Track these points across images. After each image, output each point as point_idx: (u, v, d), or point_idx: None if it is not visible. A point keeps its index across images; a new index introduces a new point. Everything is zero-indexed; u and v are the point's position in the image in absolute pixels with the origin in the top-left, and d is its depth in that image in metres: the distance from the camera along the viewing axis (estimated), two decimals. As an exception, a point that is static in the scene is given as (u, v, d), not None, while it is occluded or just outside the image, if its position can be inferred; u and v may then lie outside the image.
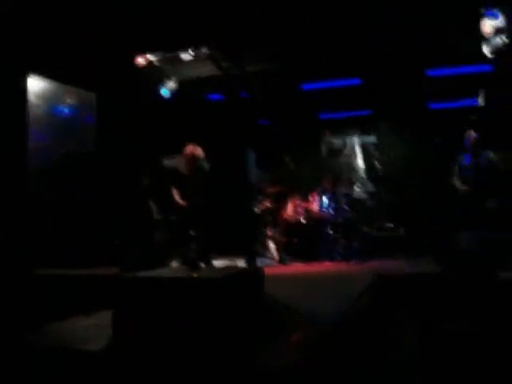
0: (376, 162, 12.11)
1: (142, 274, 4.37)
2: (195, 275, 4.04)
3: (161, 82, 10.06)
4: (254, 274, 4.69)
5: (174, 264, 7.43)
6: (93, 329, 4.28)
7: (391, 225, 10.80)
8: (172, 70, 9.82)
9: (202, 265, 4.25)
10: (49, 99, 9.07)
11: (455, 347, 5.08)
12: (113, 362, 3.50)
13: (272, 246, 9.94)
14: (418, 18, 8.05)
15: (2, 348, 3.97)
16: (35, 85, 8.79)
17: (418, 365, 4.71)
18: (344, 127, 12.39)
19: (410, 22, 8.16)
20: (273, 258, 9.76)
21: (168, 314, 3.77)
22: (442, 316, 6.04)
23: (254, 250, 8.08)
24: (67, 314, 4.89)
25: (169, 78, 10.08)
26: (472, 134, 8.08)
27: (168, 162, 10.56)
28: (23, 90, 8.53)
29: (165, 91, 10.11)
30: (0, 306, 5.28)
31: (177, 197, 8.15)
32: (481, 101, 10.20)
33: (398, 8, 7.82)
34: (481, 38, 7.60)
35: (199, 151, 8.19)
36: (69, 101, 9.53)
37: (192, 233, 4.45)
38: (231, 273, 4.65)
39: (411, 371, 4.53)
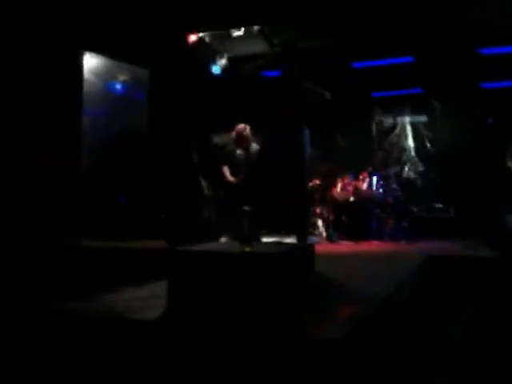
0: (427, 142, 11.93)
1: (197, 247, 4.46)
2: (247, 250, 4.09)
3: (212, 59, 10.10)
4: (305, 251, 4.73)
5: (224, 239, 7.52)
6: (146, 299, 4.40)
7: (441, 205, 10.67)
8: (223, 46, 9.84)
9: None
10: (103, 76, 9.23)
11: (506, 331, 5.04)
12: (168, 330, 3.60)
13: (320, 223, 9.95)
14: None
15: (54, 317, 4.10)
16: (90, 61, 8.96)
17: (466, 350, 4.70)
18: (395, 106, 12.23)
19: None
20: (321, 236, 9.77)
21: (221, 287, 3.84)
22: (493, 299, 5.99)
23: (305, 227, 8.08)
24: (119, 285, 5.03)
25: (220, 55, 10.11)
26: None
27: (218, 139, 10.64)
28: (79, 66, 8.70)
29: (216, 68, 10.15)
30: (51, 277, 5.46)
31: (227, 174, 8.22)
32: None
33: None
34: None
35: (248, 130, 8.23)
36: (122, 78, 9.67)
37: (245, 208, 4.50)
38: (283, 248, 4.71)
39: (458, 356, 4.52)
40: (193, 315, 3.78)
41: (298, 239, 7.58)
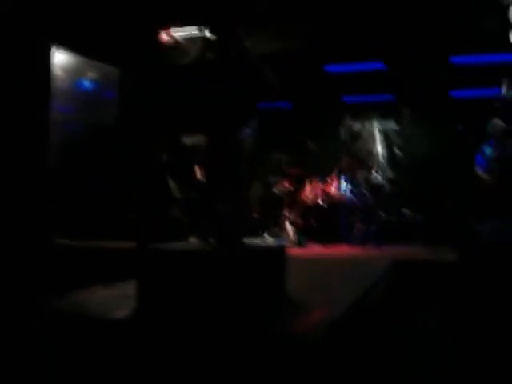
0: (396, 149, 12.05)
1: (166, 246, 4.41)
2: (217, 249, 4.07)
3: (183, 59, 10.02)
4: (276, 252, 4.71)
5: (192, 240, 7.45)
6: (116, 299, 4.33)
7: (409, 212, 10.76)
8: (195, 48, 9.78)
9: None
10: (72, 73, 9.11)
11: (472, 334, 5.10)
12: (138, 329, 3.54)
13: (289, 227, 9.94)
14: (444, 3, 7.99)
15: (24, 316, 4.02)
16: (60, 58, 8.83)
17: (435, 351, 4.74)
18: (365, 111, 12.32)
19: (436, 6, 8.09)
20: (290, 239, 9.76)
21: (190, 285, 3.81)
22: (460, 304, 6.05)
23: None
24: (91, 284, 4.95)
25: (191, 55, 10.03)
26: (497, 122, 7.98)
27: (188, 140, 10.56)
28: (48, 63, 8.56)
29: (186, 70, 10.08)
30: (22, 275, 5.35)
31: (199, 174, 8.17)
32: (505, 90, 10.09)
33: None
34: (508, 26, 7.51)
35: None
36: (92, 75, 9.56)
37: (220, 207, 4.47)
38: (255, 248, 4.68)
39: (428, 357, 4.55)
40: (162, 314, 3.73)
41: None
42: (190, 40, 9.45)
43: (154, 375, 3.36)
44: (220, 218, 4.35)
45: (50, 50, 8.57)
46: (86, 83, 9.47)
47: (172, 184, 9.54)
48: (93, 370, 3.47)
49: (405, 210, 10.76)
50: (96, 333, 3.64)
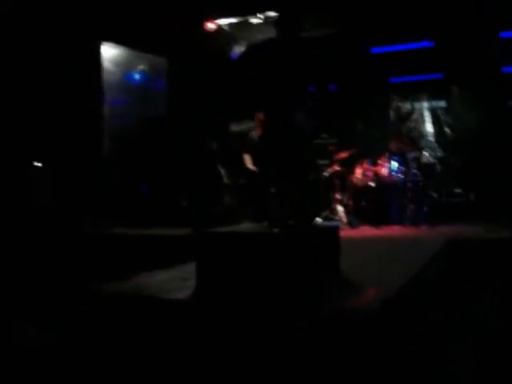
0: (445, 127, 11.91)
1: (223, 229, 4.53)
2: (275, 231, 4.15)
3: (230, 46, 10.11)
4: (330, 233, 4.77)
5: (245, 224, 7.57)
6: (177, 281, 4.48)
7: (460, 190, 10.63)
8: (241, 34, 9.85)
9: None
10: (122, 66, 9.31)
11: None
12: (199, 309, 3.67)
13: (340, 209, 9.95)
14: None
15: (92, 298, 4.20)
16: (109, 52, 9.03)
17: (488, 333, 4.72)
18: (413, 91, 12.21)
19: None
20: (341, 221, 9.77)
21: (249, 266, 3.91)
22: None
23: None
24: (150, 269, 5.12)
25: (238, 42, 10.12)
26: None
27: (236, 128, 10.67)
28: (98, 56, 8.78)
29: (234, 56, 10.18)
30: (85, 262, 5.57)
31: (248, 162, 8.26)
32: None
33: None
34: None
35: None
36: (141, 67, 9.75)
37: (272, 190, 4.58)
38: (309, 229, 4.76)
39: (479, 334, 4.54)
40: (222, 294, 3.85)
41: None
42: (235, 27, 9.54)
43: (212, 355, 3.48)
44: (270, 201, 4.44)
45: (100, 44, 8.78)
46: (136, 75, 9.67)
47: (222, 171, 9.68)
48: (151, 349, 3.62)
49: (457, 189, 10.63)
50: (156, 313, 3.80)
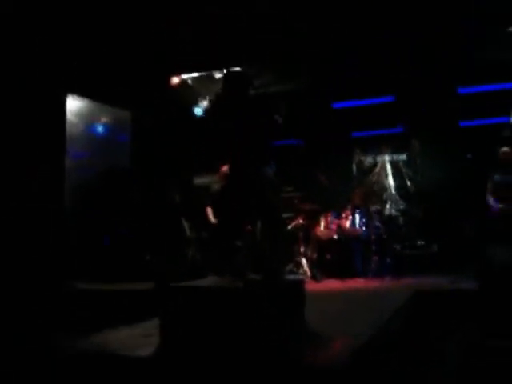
0: (407, 180, 12.13)
1: (186, 284, 4.45)
2: (237, 285, 4.10)
3: (194, 100, 10.21)
4: (296, 286, 4.73)
5: (210, 278, 7.47)
6: (139, 337, 4.36)
7: (423, 242, 10.75)
8: (205, 88, 9.97)
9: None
10: (86, 118, 9.27)
11: (498, 363, 5.04)
12: (163, 367, 3.56)
13: (304, 262, 9.94)
14: (450, 35, 8.11)
15: (47, 356, 4.05)
16: (73, 104, 9.00)
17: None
18: (375, 145, 12.45)
19: (442, 39, 8.22)
20: (305, 275, 9.74)
21: (212, 321, 3.84)
22: (483, 332, 6.00)
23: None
24: (111, 325, 4.97)
25: (202, 96, 10.23)
26: (505, 150, 8.02)
27: (199, 181, 10.68)
28: (62, 108, 8.73)
29: (198, 110, 10.27)
30: (41, 319, 5.39)
31: (210, 215, 8.27)
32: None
33: (430, 25, 7.87)
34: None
35: None
36: (104, 119, 9.72)
37: (237, 243, 4.55)
38: (274, 283, 4.70)
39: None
40: (185, 350, 3.75)
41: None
42: (199, 81, 9.66)
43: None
44: (234, 255, 4.40)
45: (65, 96, 8.76)
46: (100, 128, 9.63)
47: (185, 224, 9.61)
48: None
49: (419, 241, 10.75)
50: (119, 370, 3.67)
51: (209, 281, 5.91)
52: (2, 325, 4.94)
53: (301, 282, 4.85)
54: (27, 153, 7.97)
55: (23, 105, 7.96)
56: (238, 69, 9.10)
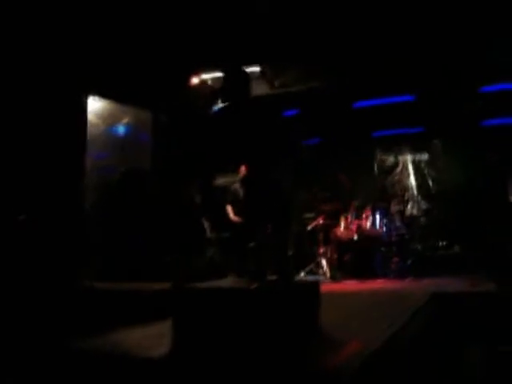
0: (429, 180, 12.01)
1: (200, 285, 4.46)
2: (253, 287, 4.09)
3: (214, 100, 10.23)
4: (311, 288, 4.72)
5: (229, 278, 7.50)
6: (153, 338, 4.37)
7: (445, 243, 10.64)
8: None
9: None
10: (107, 119, 9.35)
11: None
12: (174, 368, 3.58)
13: (324, 262, 9.91)
14: (470, 33, 8.03)
15: (59, 354, 4.09)
16: (94, 105, 9.08)
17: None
18: (396, 145, 12.35)
19: (463, 37, 8.14)
20: (325, 275, 9.72)
21: (225, 323, 3.84)
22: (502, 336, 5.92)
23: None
24: (127, 325, 5.01)
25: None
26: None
27: (220, 180, 10.70)
28: (83, 110, 8.82)
29: (217, 110, 10.29)
30: (56, 317, 5.44)
31: (231, 214, 8.29)
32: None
33: (452, 24, 7.80)
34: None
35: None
36: (125, 120, 9.80)
37: (251, 245, 4.56)
38: (288, 285, 4.70)
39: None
40: (197, 352, 3.76)
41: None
42: (219, 81, 9.68)
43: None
44: (250, 256, 4.42)
45: (87, 98, 8.84)
46: (121, 128, 9.71)
47: (206, 224, 9.64)
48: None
49: (441, 242, 10.64)
50: (130, 371, 3.69)
51: (228, 281, 5.94)
52: (17, 323, 5.01)
53: (316, 285, 4.82)
54: (48, 153, 8.07)
55: (45, 107, 8.05)
56: (257, 68, 9.14)
